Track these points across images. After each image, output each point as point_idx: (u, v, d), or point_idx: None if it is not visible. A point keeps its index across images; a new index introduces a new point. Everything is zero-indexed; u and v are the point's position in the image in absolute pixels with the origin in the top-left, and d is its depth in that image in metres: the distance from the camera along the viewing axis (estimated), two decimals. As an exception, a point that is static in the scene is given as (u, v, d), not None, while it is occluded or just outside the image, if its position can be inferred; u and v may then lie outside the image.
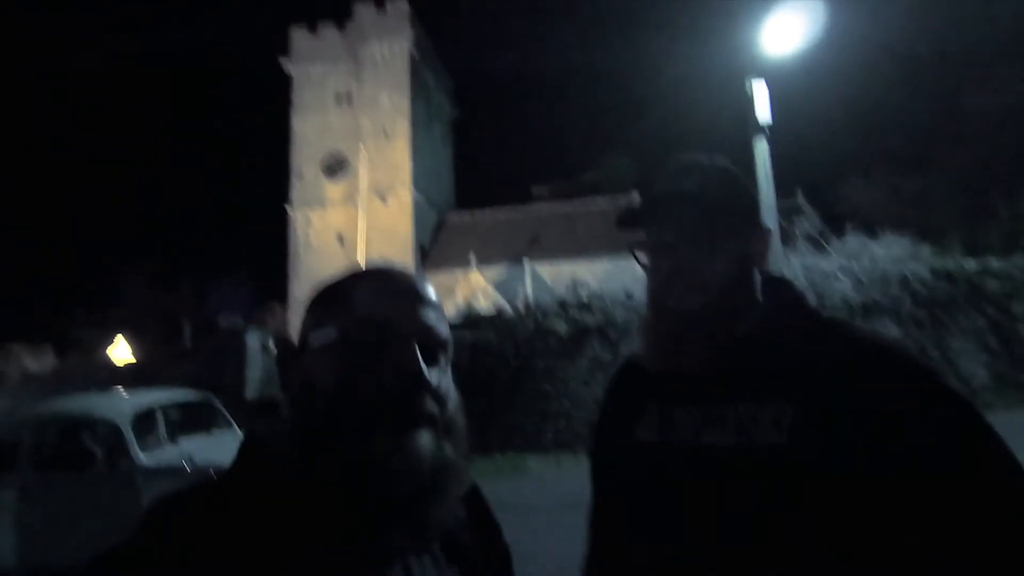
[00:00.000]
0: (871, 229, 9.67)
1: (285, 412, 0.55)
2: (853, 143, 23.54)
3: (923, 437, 0.59)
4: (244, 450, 0.57)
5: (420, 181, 33.70)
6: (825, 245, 8.96)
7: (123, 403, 4.73)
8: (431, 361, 0.55)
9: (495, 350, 8.51)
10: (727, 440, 0.67)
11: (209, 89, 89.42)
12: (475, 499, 0.69)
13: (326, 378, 0.52)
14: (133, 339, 19.03)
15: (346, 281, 0.58)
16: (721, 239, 0.72)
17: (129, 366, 13.23)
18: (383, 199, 32.50)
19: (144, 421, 4.70)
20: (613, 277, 11.39)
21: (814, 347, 0.68)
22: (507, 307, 11.58)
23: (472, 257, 30.18)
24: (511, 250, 31.49)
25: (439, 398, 0.55)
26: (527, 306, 9.04)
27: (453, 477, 0.55)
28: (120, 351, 17.11)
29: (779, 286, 0.77)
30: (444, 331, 0.58)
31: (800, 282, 7.61)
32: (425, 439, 0.52)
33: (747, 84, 8.20)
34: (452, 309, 23.34)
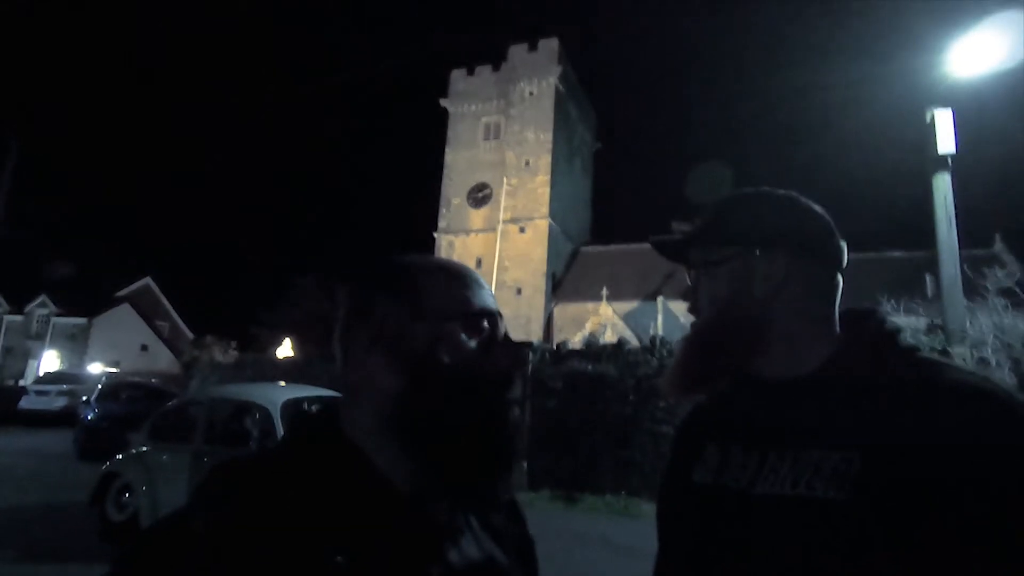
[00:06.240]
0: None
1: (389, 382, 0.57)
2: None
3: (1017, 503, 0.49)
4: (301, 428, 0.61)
5: (557, 212, 34.38)
6: (1028, 302, 7.39)
7: (276, 394, 5.37)
8: None
9: (615, 384, 8.27)
10: (780, 490, 0.60)
11: (381, 127, 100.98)
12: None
13: (457, 354, 0.56)
14: (296, 339, 21.72)
15: (455, 271, 0.62)
16: (715, 264, 0.72)
17: (289, 362, 15.03)
18: (521, 228, 33.66)
19: (292, 410, 5.31)
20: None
21: (895, 389, 0.59)
22: (633, 340, 11.20)
23: (604, 290, 29.87)
24: (644, 285, 30.65)
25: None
26: (653, 342, 8.68)
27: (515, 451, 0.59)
28: (284, 350, 19.59)
29: (861, 319, 0.69)
30: None
31: (989, 344, 6.38)
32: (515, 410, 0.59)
33: (928, 114, 7.19)
34: (579, 339, 23.21)
